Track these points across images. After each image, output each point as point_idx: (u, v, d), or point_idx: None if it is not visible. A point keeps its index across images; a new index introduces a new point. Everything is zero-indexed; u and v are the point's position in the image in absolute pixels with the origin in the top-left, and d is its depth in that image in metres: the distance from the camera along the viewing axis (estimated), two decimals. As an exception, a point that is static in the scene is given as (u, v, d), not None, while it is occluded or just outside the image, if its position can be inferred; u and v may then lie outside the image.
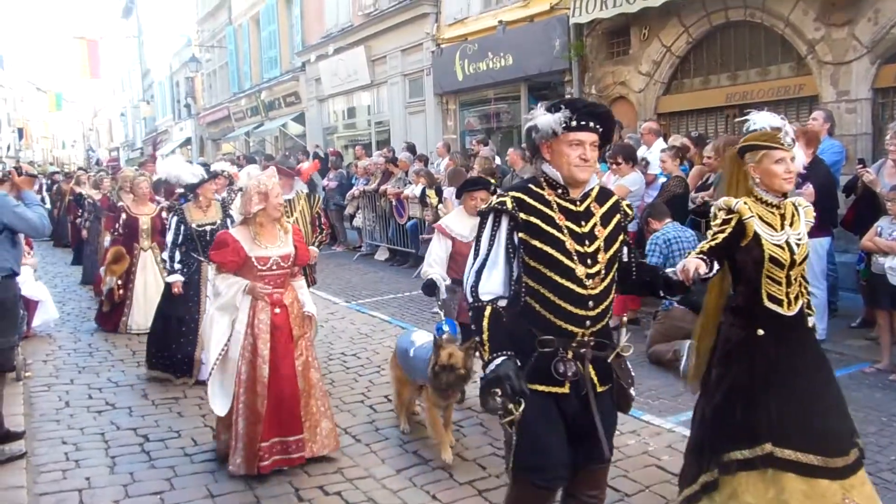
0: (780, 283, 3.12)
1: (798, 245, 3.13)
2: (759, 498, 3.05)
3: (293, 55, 21.02)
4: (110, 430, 5.07)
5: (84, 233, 11.20)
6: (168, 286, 6.17)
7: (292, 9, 20.98)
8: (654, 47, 10.13)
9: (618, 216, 2.81)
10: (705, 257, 2.97)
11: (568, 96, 11.58)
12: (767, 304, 3.14)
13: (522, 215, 2.64)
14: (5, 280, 4.55)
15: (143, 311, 7.64)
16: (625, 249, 2.85)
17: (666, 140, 8.47)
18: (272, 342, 4.17)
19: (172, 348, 6.09)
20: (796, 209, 3.23)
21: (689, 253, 3.18)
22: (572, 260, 2.63)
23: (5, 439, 4.61)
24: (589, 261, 2.66)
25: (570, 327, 2.65)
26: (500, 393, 2.49)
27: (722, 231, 3.11)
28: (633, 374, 2.88)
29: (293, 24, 21.02)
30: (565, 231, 2.65)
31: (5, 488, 4.13)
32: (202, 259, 6.03)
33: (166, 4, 34.44)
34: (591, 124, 2.64)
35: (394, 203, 11.78)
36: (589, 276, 2.65)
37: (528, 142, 2.77)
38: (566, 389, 2.66)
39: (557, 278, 2.63)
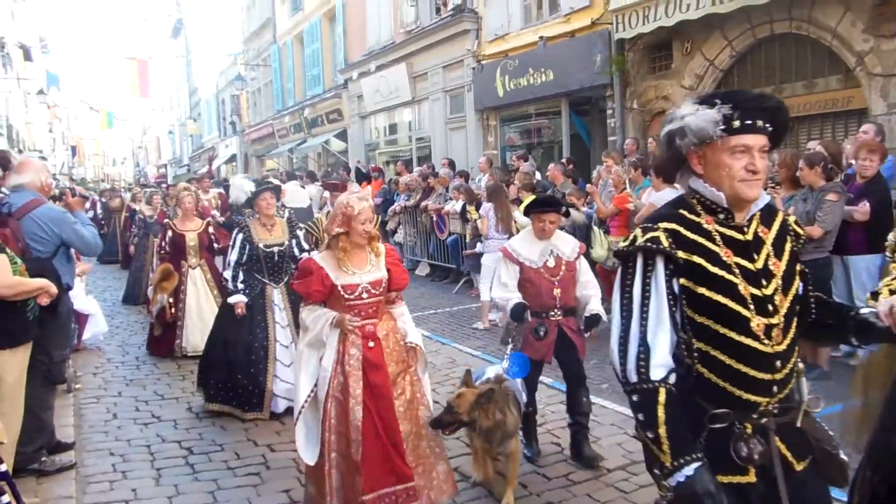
0: None
1: None
2: None
3: (336, 73, 21.32)
4: (156, 443, 5.18)
5: (131, 248, 11.13)
6: (224, 308, 5.82)
7: (335, 27, 21.31)
8: (697, 61, 10.03)
9: (789, 240, 2.18)
10: None
11: (609, 111, 11.53)
12: None
13: (682, 254, 2.02)
14: (61, 294, 4.68)
15: (198, 331, 7.29)
16: (801, 284, 2.19)
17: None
18: (365, 380, 3.63)
19: (238, 379, 5.52)
20: None
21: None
22: (748, 308, 2.02)
23: (56, 450, 4.74)
24: (769, 307, 2.04)
25: (753, 397, 2.03)
26: None
27: None
28: (832, 433, 2.21)
29: (336, 42, 21.34)
30: (735, 270, 2.04)
31: (56, 498, 4.24)
32: (266, 281, 5.71)
33: (214, 24, 35.31)
34: (760, 123, 2.01)
35: (434, 219, 11.83)
36: (770, 327, 2.03)
37: (669, 150, 2.12)
38: (752, 478, 2.01)
39: (733, 335, 2.02)
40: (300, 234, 5.89)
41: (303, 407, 3.64)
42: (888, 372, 2.70)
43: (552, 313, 4.47)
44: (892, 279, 2.39)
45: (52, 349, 4.63)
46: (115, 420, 5.71)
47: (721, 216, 2.08)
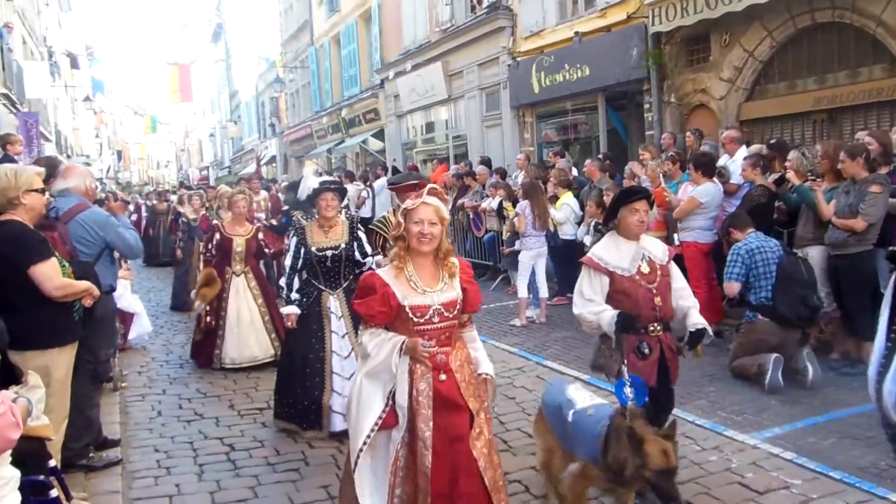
0: None
1: None
2: None
3: (372, 73, 21.45)
4: (199, 439, 5.29)
5: (178, 253, 10.71)
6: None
7: (371, 28, 21.44)
8: (735, 53, 9.86)
9: None
10: None
11: (647, 105, 11.41)
12: None
13: None
14: (104, 296, 4.81)
15: (235, 344, 7.00)
16: None
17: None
18: (436, 420, 3.10)
19: (298, 393, 5.19)
20: None
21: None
22: None
23: (103, 446, 4.88)
24: None
25: None
26: None
27: None
28: None
29: (372, 43, 21.47)
30: None
31: (102, 493, 4.36)
32: (322, 287, 5.28)
33: (252, 28, 35.79)
34: None
35: (471, 216, 11.84)
36: None
37: None
38: None
39: None
40: (362, 235, 5.39)
41: (361, 450, 3.09)
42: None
43: (651, 328, 3.91)
44: None
45: (98, 348, 4.77)
46: (160, 417, 5.85)
47: None
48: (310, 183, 5.45)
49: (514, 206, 9.53)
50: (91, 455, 4.66)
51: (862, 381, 5.63)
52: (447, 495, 3.04)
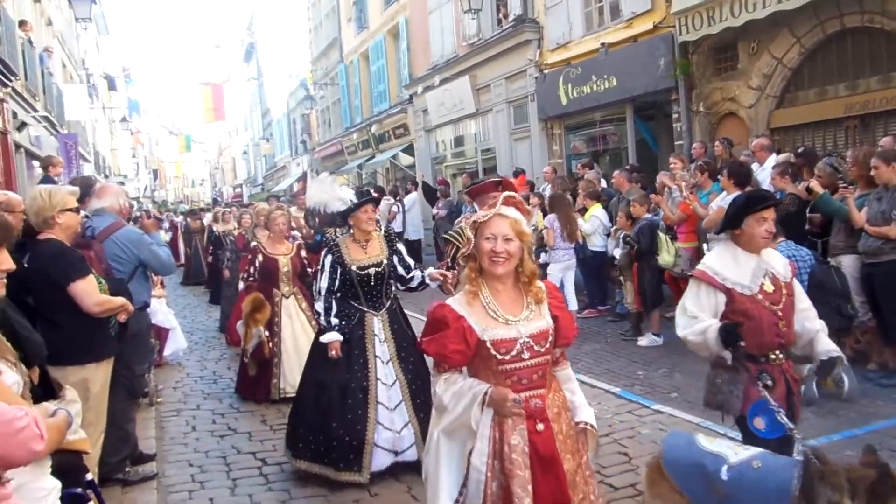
0: None
1: None
2: None
3: (401, 88, 21.64)
4: (232, 454, 5.37)
5: (226, 273, 9.99)
6: (316, 347, 4.82)
7: (399, 43, 21.64)
8: (764, 60, 9.78)
9: None
10: None
11: (675, 115, 11.35)
12: None
13: None
14: (138, 312, 4.92)
15: (297, 368, 6.20)
16: None
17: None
18: (535, 480, 2.54)
19: (332, 429, 4.53)
20: None
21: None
22: None
23: (139, 461, 4.97)
24: None
25: None
26: None
27: None
28: None
29: (400, 58, 21.67)
30: None
31: (138, 506, 4.45)
32: (364, 309, 4.74)
33: (283, 47, 36.35)
34: None
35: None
36: None
37: None
38: None
39: None
40: (401, 247, 5.01)
41: None
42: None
43: (773, 356, 3.31)
44: None
45: (134, 363, 4.89)
46: (194, 432, 5.95)
47: None
48: (339, 193, 4.95)
49: (543, 219, 9.53)
50: (127, 469, 4.76)
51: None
52: None
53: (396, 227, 14.32)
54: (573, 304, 8.85)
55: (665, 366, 6.94)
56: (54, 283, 3.90)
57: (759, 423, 3.01)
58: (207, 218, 16.20)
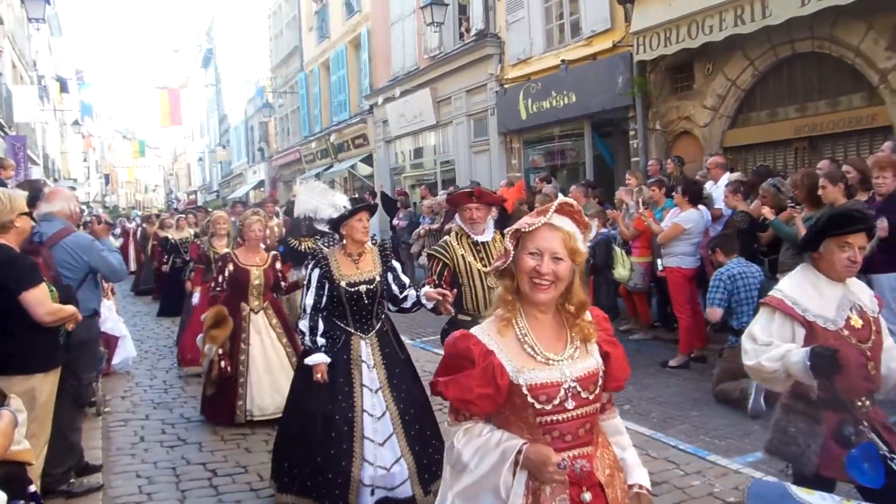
0: None
1: None
2: None
3: (361, 98, 21.61)
4: (181, 465, 5.25)
5: (188, 285, 8.63)
6: (301, 370, 4.33)
7: (361, 54, 21.63)
8: (718, 81, 10.03)
9: None
10: None
11: (632, 132, 11.55)
12: None
13: None
14: (87, 319, 4.80)
15: (266, 390, 5.91)
16: None
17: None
18: None
19: (318, 463, 4.04)
20: None
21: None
22: None
23: (84, 472, 4.83)
24: None
25: None
26: None
27: None
28: None
29: (361, 69, 21.64)
30: None
31: (83, 519, 4.32)
32: (351, 330, 4.24)
33: (242, 54, 36.01)
34: None
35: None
36: None
37: None
38: None
39: None
40: (397, 265, 4.50)
41: None
42: None
43: (860, 402, 2.87)
44: None
45: (81, 372, 4.76)
46: (142, 443, 5.80)
47: None
48: (333, 200, 4.46)
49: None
50: (72, 481, 4.62)
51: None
52: None
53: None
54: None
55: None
56: (5, 291, 3.78)
57: (863, 472, 2.58)
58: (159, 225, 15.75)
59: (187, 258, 10.54)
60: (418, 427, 4.19)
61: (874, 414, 2.91)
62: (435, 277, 4.51)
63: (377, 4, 19.85)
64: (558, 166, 13.98)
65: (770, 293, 3.01)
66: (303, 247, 8.34)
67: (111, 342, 7.65)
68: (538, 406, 2.04)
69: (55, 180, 28.70)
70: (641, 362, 7.40)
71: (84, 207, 22.94)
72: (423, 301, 4.27)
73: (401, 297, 4.38)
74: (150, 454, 5.52)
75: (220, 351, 5.83)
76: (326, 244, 4.56)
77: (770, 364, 2.80)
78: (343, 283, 4.17)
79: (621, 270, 8.29)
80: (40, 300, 3.86)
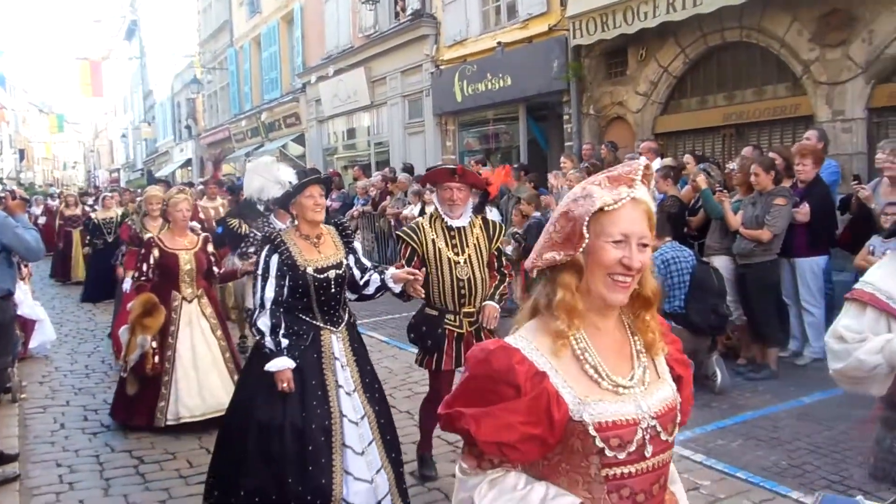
0: None
1: None
2: None
3: (294, 76, 21.18)
4: (105, 453, 5.05)
5: (119, 271, 7.92)
6: (253, 376, 3.64)
7: (293, 31, 21.16)
8: (651, 68, 10.19)
9: None
10: None
11: (566, 116, 11.66)
12: None
13: None
14: (2, 301, 4.55)
15: (195, 391, 5.29)
16: None
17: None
18: None
19: (288, 485, 3.39)
20: None
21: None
22: None
23: (0, 461, 4.60)
24: None
25: None
26: None
27: None
28: None
29: (294, 46, 21.19)
30: None
31: (-2, 511, 4.11)
32: (320, 325, 3.65)
33: (169, 26, 34.79)
34: None
35: (392, 223, 11.80)
36: None
37: None
38: None
39: None
40: (358, 246, 3.96)
41: None
42: None
43: None
44: None
45: (-4, 356, 4.51)
46: (63, 430, 5.56)
47: None
48: (276, 174, 3.80)
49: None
50: (-15, 471, 4.40)
51: (766, 385, 5.92)
52: None
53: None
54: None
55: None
56: None
57: None
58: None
59: (111, 240, 10.18)
60: (390, 434, 3.71)
61: None
62: (404, 263, 4.00)
63: (310, -20, 19.46)
64: (493, 149, 14.02)
65: (857, 286, 2.59)
66: (243, 229, 7.35)
67: (27, 326, 7.30)
68: (609, 453, 1.49)
69: (-35, 155, 27.19)
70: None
71: (-3, 184, 21.78)
72: (390, 284, 3.75)
73: (362, 282, 3.81)
74: (70, 442, 5.29)
75: (155, 344, 5.22)
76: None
77: (870, 357, 2.39)
78: (310, 270, 3.57)
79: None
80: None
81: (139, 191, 12.14)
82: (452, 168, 4.08)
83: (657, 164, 8.26)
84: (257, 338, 3.60)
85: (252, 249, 6.05)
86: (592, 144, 10.30)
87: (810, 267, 6.32)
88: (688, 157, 8.09)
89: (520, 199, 8.82)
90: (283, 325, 3.53)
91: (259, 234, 6.18)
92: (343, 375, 3.62)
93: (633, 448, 1.50)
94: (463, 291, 4.05)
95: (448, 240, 4.07)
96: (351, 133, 19.38)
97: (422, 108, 15.30)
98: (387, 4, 16.13)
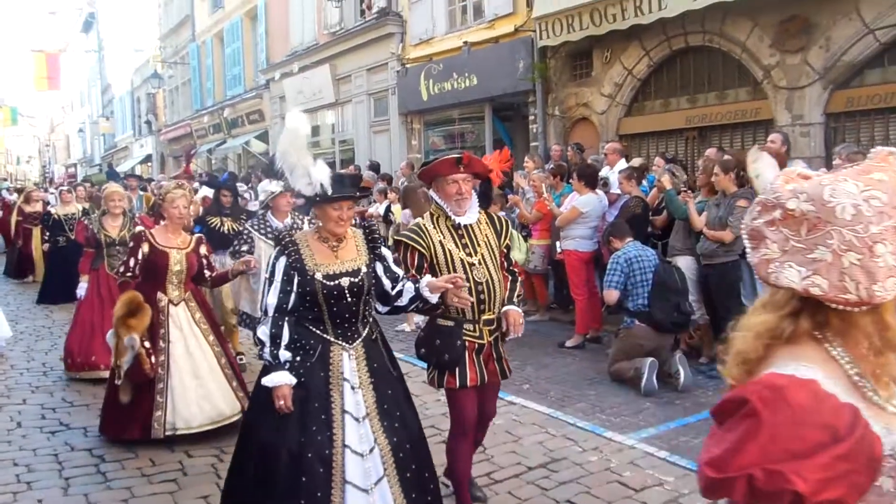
0: None
1: None
2: None
3: (257, 73, 20.95)
4: (64, 451, 4.94)
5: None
6: (259, 392, 3.25)
7: (257, 27, 20.93)
8: (615, 70, 10.32)
9: None
10: None
11: (532, 117, 11.73)
12: None
13: None
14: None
15: (192, 399, 4.92)
16: None
17: (628, 161, 8.64)
18: None
19: None
20: None
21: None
22: None
23: (-47, 461, 4.47)
24: None
25: None
26: None
27: None
28: None
29: (258, 42, 20.97)
30: None
31: (-47, 512, 4.00)
32: (330, 339, 3.24)
33: (128, 20, 34.13)
34: None
35: (358, 221, 11.74)
36: None
37: None
38: None
39: None
40: (387, 252, 3.46)
41: None
42: None
43: None
44: None
45: (-50, 354, 4.38)
46: (20, 429, 5.42)
47: None
48: (302, 161, 3.19)
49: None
50: (-61, 471, 4.26)
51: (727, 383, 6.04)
52: None
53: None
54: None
55: (517, 358, 7.11)
56: None
57: None
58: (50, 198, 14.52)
59: (73, 237, 9.87)
60: (415, 468, 3.22)
61: None
62: (414, 272, 3.53)
63: (275, -24, 19.27)
64: (458, 148, 14.01)
65: None
66: (225, 228, 7.04)
67: (-19, 323, 7.09)
68: None
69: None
70: (539, 343, 7.56)
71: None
72: (426, 293, 3.29)
73: (393, 292, 3.37)
74: (28, 441, 5.15)
75: (146, 343, 4.77)
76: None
77: None
78: (318, 276, 3.17)
79: (517, 253, 8.41)
80: None
81: (98, 188, 11.70)
82: (458, 157, 3.54)
83: (622, 164, 8.37)
84: (257, 349, 3.28)
85: (245, 248, 5.94)
86: (560, 146, 10.39)
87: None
88: (658, 160, 8.22)
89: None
90: (285, 336, 3.15)
91: (253, 231, 6.11)
92: (353, 399, 3.17)
93: None
94: (482, 296, 3.54)
95: (457, 239, 3.60)
96: (315, 130, 19.21)
97: (387, 107, 15.26)
98: (352, 2, 16.06)
